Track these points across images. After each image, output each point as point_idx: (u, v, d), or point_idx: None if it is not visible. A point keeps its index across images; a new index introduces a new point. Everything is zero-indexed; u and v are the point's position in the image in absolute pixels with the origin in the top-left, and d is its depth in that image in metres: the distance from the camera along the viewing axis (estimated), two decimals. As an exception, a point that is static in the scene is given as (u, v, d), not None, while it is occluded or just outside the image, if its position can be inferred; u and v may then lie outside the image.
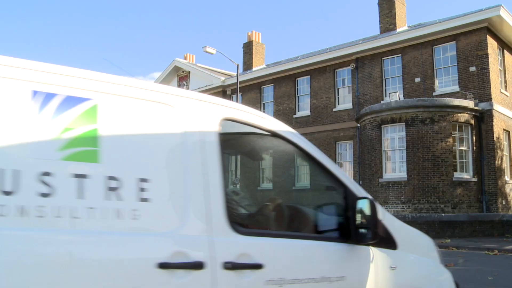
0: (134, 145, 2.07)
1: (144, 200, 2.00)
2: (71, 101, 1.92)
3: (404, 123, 15.55)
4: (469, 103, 15.53)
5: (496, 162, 15.63)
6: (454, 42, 16.85)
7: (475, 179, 15.40)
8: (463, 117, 15.43)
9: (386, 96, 18.67)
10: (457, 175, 15.19)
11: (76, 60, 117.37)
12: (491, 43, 16.30)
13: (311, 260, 2.42)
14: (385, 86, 19.01)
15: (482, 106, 15.75)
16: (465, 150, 15.59)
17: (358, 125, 18.36)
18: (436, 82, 17.33)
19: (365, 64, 19.63)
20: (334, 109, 20.76)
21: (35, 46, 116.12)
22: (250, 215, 3.01)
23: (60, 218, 1.80)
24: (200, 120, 2.25)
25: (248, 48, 27.57)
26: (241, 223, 2.45)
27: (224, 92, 26.57)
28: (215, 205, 2.15)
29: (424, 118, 15.16)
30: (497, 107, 16.06)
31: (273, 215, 2.84)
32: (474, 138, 15.66)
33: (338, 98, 20.88)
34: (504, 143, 16.80)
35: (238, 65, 20.58)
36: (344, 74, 20.72)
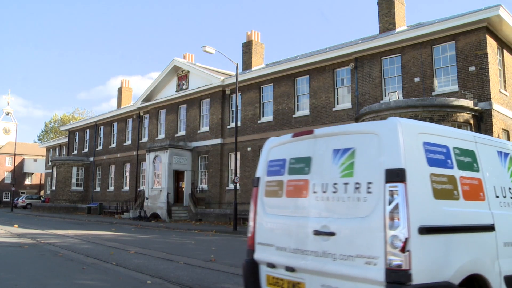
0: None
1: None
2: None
3: (403, 122, 15.51)
4: (469, 103, 15.52)
5: (495, 161, 15.61)
6: (454, 42, 16.85)
7: (474, 179, 15.40)
8: (463, 116, 15.43)
9: (385, 96, 18.67)
10: (457, 174, 15.19)
11: (76, 60, 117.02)
12: (491, 43, 16.30)
13: None
14: (385, 86, 19.02)
15: (482, 105, 15.75)
16: (464, 150, 15.59)
17: (358, 124, 18.34)
18: (436, 81, 17.33)
19: (365, 63, 19.63)
20: (334, 109, 20.75)
21: (35, 46, 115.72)
22: None
23: None
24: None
25: (247, 47, 27.56)
26: None
27: (223, 91, 26.53)
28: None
29: (423, 118, 15.12)
30: (497, 106, 16.05)
31: None
32: (473, 137, 15.65)
33: (337, 97, 20.88)
34: (503, 142, 16.79)
35: (237, 64, 20.55)
36: (344, 74, 20.72)
